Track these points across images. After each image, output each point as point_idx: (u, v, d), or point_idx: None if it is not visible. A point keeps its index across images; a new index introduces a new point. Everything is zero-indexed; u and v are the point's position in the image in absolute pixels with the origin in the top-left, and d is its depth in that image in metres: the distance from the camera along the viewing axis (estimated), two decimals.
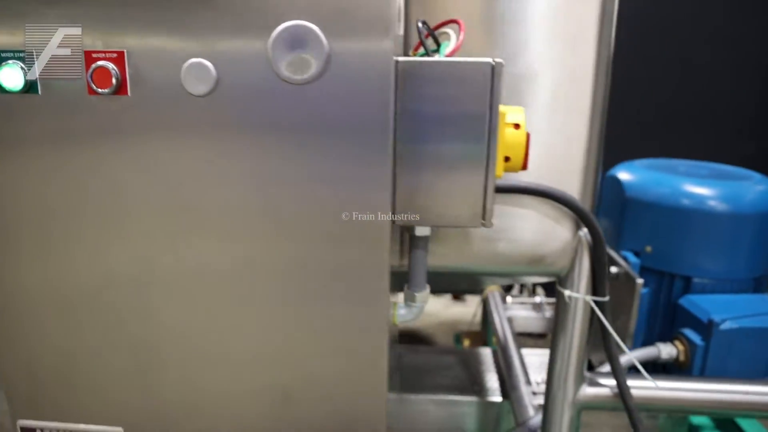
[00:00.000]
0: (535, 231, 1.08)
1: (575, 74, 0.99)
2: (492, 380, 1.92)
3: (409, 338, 3.14)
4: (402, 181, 0.73)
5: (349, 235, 0.70)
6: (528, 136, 0.77)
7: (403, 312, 0.87)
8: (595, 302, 1.12)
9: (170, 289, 0.73)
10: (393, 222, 0.76)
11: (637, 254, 1.63)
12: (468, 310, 3.41)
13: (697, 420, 1.99)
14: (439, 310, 3.60)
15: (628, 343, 1.56)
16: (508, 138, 0.74)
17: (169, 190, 0.70)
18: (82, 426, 0.79)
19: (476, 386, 1.87)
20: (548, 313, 2.18)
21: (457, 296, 3.57)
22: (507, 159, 0.75)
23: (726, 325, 1.37)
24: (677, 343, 1.47)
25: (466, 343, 2.63)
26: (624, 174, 1.72)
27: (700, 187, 1.56)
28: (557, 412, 1.19)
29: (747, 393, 1.17)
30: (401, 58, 0.69)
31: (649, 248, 1.60)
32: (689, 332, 1.45)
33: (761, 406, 1.15)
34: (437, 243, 1.10)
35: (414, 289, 0.85)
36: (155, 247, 0.72)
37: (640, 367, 1.15)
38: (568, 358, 1.16)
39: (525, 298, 2.23)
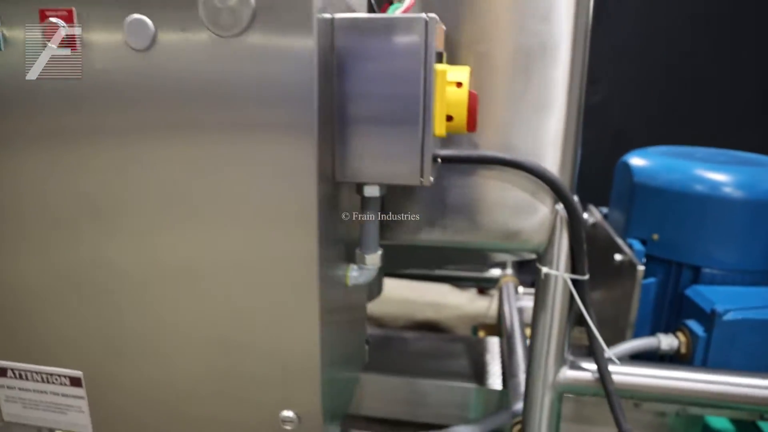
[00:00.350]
0: (510, 204, 1.06)
1: (548, 43, 0.97)
2: (495, 368, 1.90)
3: (428, 329, 3.13)
4: (341, 139, 0.74)
5: (277, 196, 0.71)
6: (473, 96, 0.76)
7: (355, 274, 0.87)
8: (575, 281, 1.09)
9: (128, 240, 0.77)
10: (334, 180, 0.77)
11: (643, 243, 1.56)
12: (493, 304, 3.37)
13: (717, 424, 1.90)
14: (463, 304, 3.56)
15: (629, 333, 1.51)
16: (450, 96, 0.73)
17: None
18: (42, 367, 0.84)
19: (479, 373, 1.85)
20: None
21: (483, 291, 3.52)
22: (450, 118, 0.75)
23: (730, 316, 1.30)
24: (679, 334, 1.40)
25: (481, 334, 2.60)
26: (635, 159, 1.65)
27: (714, 172, 1.48)
28: (537, 395, 1.17)
29: (739, 385, 1.11)
30: (338, 15, 0.70)
31: (656, 236, 1.53)
32: (692, 323, 1.38)
33: (750, 399, 1.09)
34: (410, 218, 1.10)
35: (365, 251, 0.86)
36: (103, 189, 0.75)
37: (606, 348, 1.11)
38: (549, 338, 1.13)
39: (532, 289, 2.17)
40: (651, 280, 1.55)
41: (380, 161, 0.75)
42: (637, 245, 1.54)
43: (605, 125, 2.81)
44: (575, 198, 1.05)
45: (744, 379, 1.11)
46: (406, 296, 3.61)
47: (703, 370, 1.14)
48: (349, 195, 0.87)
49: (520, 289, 2.24)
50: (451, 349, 2.02)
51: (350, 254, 0.90)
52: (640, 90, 2.69)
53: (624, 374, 1.14)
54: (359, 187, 0.82)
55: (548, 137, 1.02)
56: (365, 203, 0.84)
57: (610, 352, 1.37)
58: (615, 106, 2.79)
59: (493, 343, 2.08)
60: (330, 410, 0.82)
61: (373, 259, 0.86)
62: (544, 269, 1.08)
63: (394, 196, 1.09)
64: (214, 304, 0.77)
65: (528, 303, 2.17)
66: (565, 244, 1.07)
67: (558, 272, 1.08)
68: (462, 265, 1.42)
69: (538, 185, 1.03)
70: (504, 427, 1.51)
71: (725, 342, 1.31)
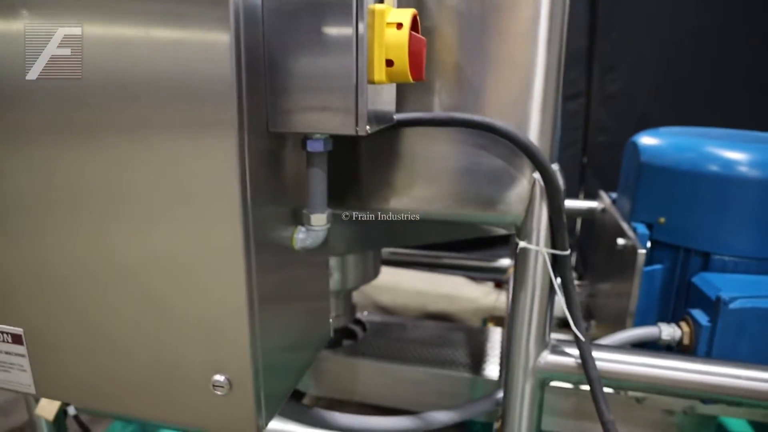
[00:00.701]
0: (484, 172, 0.99)
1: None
2: (495, 358, 1.82)
3: (442, 321, 3.06)
4: (272, 86, 0.69)
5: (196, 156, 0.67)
6: (417, 39, 0.69)
7: (302, 236, 0.82)
8: (555, 257, 1.01)
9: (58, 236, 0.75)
10: (269, 133, 0.72)
11: (649, 227, 1.46)
12: (502, 296, 3.27)
13: (735, 426, 1.77)
14: (478, 297, 3.47)
15: (629, 322, 1.41)
16: (389, 39, 0.67)
17: None
18: None
19: (476, 363, 1.77)
20: None
21: (499, 285, 3.43)
22: (390, 63, 0.69)
23: (736, 305, 1.19)
24: (683, 324, 1.30)
25: (490, 325, 2.52)
26: (643, 138, 1.55)
27: (728, 149, 1.36)
28: (517, 381, 1.09)
29: (737, 377, 1.00)
30: None
31: (662, 219, 1.43)
32: (696, 312, 1.27)
33: (751, 393, 0.99)
34: (379, 185, 1.04)
35: (311, 210, 0.81)
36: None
37: (576, 329, 1.02)
38: (529, 319, 1.06)
39: None
40: (657, 267, 1.45)
41: (314, 109, 0.70)
42: (642, 229, 1.44)
43: (629, 113, 2.67)
44: (555, 166, 0.97)
45: (744, 371, 1.01)
46: (421, 288, 3.55)
47: (699, 360, 1.04)
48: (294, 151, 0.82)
49: None
50: (451, 337, 1.95)
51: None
52: (664, 74, 2.54)
53: (609, 361, 1.05)
54: (303, 143, 0.77)
55: (525, 100, 0.95)
56: (309, 159, 0.79)
57: (609, 340, 1.28)
58: (637, 92, 2.65)
59: (496, 333, 1.99)
60: (267, 380, 0.77)
61: (319, 219, 0.81)
62: (522, 243, 1.01)
63: (359, 161, 1.04)
64: (145, 268, 0.74)
65: None
66: (545, 216, 0.99)
67: (537, 247, 1.00)
68: (443, 240, 1.35)
69: (514, 151, 0.96)
70: (491, 414, 1.44)
71: (731, 332, 1.20)
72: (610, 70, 2.70)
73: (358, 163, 1.04)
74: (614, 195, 1.80)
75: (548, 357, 1.07)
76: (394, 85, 0.84)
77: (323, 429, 1.11)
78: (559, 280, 1.04)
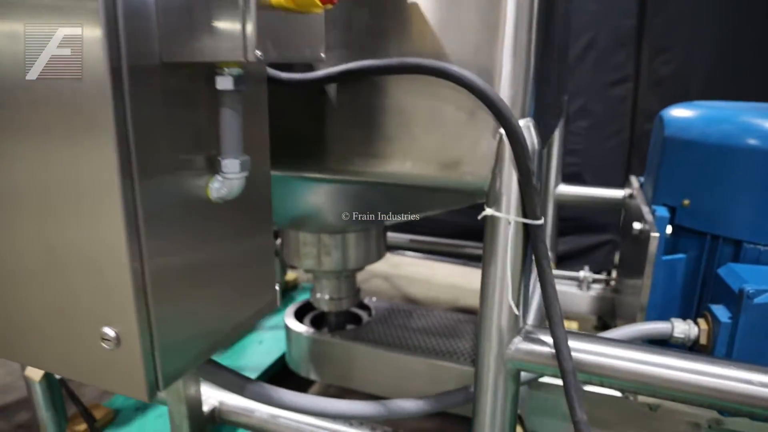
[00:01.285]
0: (445, 126, 0.88)
1: None
2: None
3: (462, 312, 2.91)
4: (163, 14, 0.62)
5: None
6: None
7: (216, 185, 0.74)
8: (526, 228, 0.88)
9: None
10: (161, 62, 0.65)
11: (672, 211, 1.28)
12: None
13: None
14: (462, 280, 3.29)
15: (640, 316, 1.24)
16: None
17: None
18: None
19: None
20: (593, 291, 1.84)
21: None
22: None
23: (762, 299, 1.00)
24: (701, 321, 1.11)
25: None
26: (672, 111, 1.36)
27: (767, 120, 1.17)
28: (487, 369, 0.97)
29: (746, 382, 0.83)
30: None
31: (687, 201, 1.24)
32: (717, 308, 1.09)
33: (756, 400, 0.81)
34: (335, 145, 0.95)
35: (223, 156, 0.73)
36: None
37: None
38: (499, 301, 0.93)
39: (567, 272, 1.90)
40: (679, 256, 1.26)
41: (203, 35, 0.62)
42: (662, 211, 1.26)
43: (681, 98, 2.41)
44: (525, 121, 0.84)
45: (753, 374, 0.83)
46: (455, 281, 3.41)
47: (704, 358, 0.87)
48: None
49: (557, 273, 1.97)
50: (460, 328, 1.82)
51: None
52: (721, 56, 2.27)
53: (589, 353, 0.90)
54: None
55: (491, 43, 0.83)
56: (220, 98, 0.71)
57: (607, 334, 1.12)
58: (691, 76, 2.39)
59: None
60: (165, 340, 0.70)
61: (232, 165, 0.72)
62: (488, 210, 0.88)
63: (313, 120, 0.95)
64: (36, 210, 0.69)
65: (559, 287, 1.89)
66: (514, 180, 0.86)
67: (505, 214, 0.87)
68: (418, 212, 1.24)
69: (477, 103, 0.84)
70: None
71: (755, 330, 1.01)
72: (661, 52, 2.45)
73: (312, 122, 0.95)
74: (643, 179, 1.61)
75: (520, 344, 0.94)
76: (319, 19, 0.75)
77: (269, 406, 1.03)
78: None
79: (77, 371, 0.73)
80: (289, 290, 2.67)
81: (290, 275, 2.72)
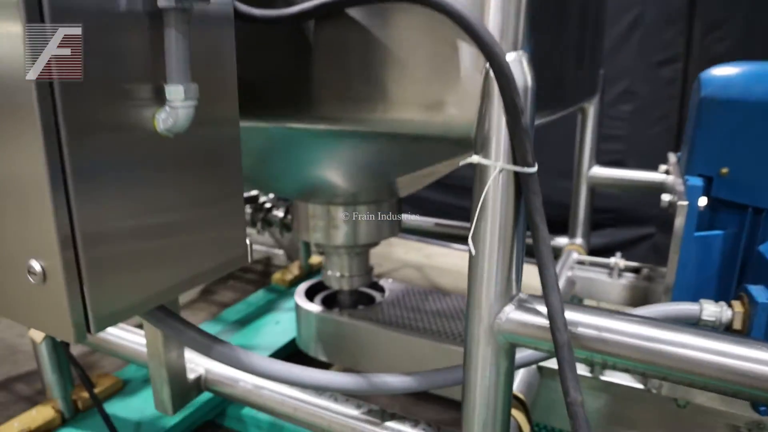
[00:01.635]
0: (426, 61, 0.79)
1: None
2: None
3: None
4: None
5: None
6: None
7: (163, 116, 0.68)
8: (517, 177, 0.77)
9: None
10: None
11: (709, 180, 1.13)
12: None
13: None
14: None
15: (666, 296, 1.10)
16: None
17: None
18: None
19: None
20: (624, 279, 1.68)
21: None
22: None
23: None
24: (736, 304, 0.97)
25: None
26: (712, 70, 1.20)
27: None
28: (475, 341, 0.87)
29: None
30: None
31: (725, 170, 1.09)
32: (755, 289, 0.94)
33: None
34: (312, 88, 0.88)
35: (168, 82, 0.66)
36: None
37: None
38: (488, 264, 0.82)
39: (597, 258, 1.75)
40: (716, 233, 1.11)
41: None
42: (695, 181, 1.11)
43: None
44: (513, 54, 0.74)
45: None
46: None
47: (725, 337, 0.73)
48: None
49: (585, 258, 1.82)
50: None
51: None
52: None
53: (590, 326, 0.78)
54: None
55: None
56: (164, 17, 0.64)
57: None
58: (749, 54, 2.17)
59: None
60: (96, 279, 0.64)
61: (177, 92, 0.66)
62: (474, 157, 0.78)
63: (290, 62, 0.88)
64: None
65: (587, 273, 1.76)
66: (504, 123, 0.75)
67: (494, 162, 0.77)
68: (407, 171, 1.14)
69: (460, 35, 0.74)
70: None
71: None
72: (716, 28, 2.25)
73: (288, 64, 0.88)
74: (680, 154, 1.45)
75: (512, 313, 0.83)
76: None
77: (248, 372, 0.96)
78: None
79: (5, 307, 0.69)
80: (313, 273, 2.63)
81: (314, 258, 2.68)
